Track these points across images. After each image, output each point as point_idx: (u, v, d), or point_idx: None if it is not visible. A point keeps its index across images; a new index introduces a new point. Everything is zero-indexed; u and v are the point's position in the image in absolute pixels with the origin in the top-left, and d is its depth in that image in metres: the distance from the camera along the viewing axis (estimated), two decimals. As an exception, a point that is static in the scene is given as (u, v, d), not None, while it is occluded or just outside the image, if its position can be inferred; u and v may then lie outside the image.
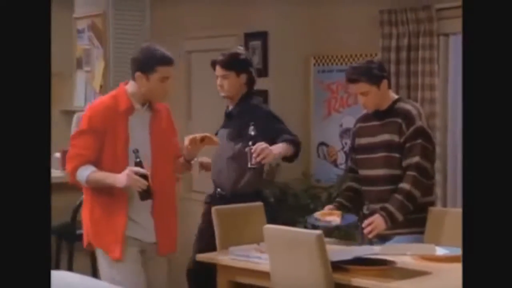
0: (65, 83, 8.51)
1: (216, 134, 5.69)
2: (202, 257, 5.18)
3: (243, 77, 5.68)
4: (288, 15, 7.18)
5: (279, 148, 5.42)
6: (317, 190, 6.81)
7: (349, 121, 6.74)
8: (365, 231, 4.90)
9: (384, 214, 4.85)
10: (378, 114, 5.19)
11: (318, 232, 4.29)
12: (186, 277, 5.92)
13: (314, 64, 7.23)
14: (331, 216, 5.14)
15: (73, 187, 5.85)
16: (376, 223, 4.85)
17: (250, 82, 5.75)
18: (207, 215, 5.64)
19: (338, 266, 4.33)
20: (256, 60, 7.36)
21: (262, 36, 7.34)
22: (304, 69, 7.26)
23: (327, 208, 5.25)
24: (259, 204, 5.55)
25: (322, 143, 7.22)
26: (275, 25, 7.28)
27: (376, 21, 6.43)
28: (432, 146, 5.12)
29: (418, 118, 5.03)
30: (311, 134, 7.28)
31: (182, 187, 8.00)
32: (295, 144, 5.53)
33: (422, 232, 5.00)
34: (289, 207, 6.78)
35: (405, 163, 4.99)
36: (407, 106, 5.15)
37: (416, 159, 4.93)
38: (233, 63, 5.66)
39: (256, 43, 7.38)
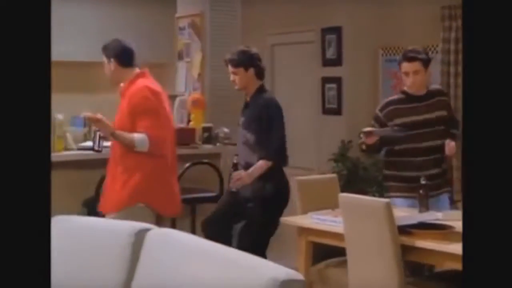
0: (169, 72, 8.59)
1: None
2: (286, 220, 5.20)
3: (251, 71, 5.59)
4: (359, 12, 7.14)
5: (256, 169, 5.41)
6: (382, 163, 6.77)
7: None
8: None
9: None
10: (416, 98, 5.26)
11: (386, 200, 4.27)
12: (201, 227, 5.84)
13: (382, 55, 7.19)
14: None
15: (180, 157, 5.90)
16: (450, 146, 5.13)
17: (260, 74, 5.67)
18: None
19: (404, 229, 4.31)
20: (331, 51, 7.35)
21: (337, 30, 7.31)
22: (373, 59, 7.22)
23: None
24: (333, 175, 5.56)
25: (389, 123, 7.17)
26: (348, 21, 7.25)
27: (438, 16, 6.38)
28: None
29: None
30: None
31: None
32: (272, 157, 5.45)
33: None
34: (360, 178, 6.77)
35: (453, 131, 5.25)
36: (438, 87, 5.55)
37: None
38: (240, 60, 5.58)
39: (332, 37, 7.36)
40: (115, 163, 5.09)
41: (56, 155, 6.07)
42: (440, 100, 5.30)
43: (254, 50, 5.71)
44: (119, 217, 4.86)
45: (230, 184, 5.54)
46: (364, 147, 5.30)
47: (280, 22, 7.85)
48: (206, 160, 6.36)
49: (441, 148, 5.19)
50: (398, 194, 5.24)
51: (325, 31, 7.39)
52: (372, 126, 5.32)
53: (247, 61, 5.58)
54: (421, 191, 4.83)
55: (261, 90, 5.63)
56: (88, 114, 5.10)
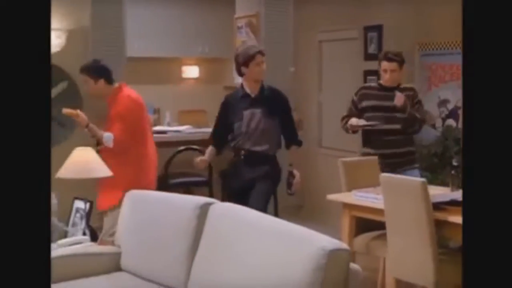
0: (227, 66, 8.61)
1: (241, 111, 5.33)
2: (332, 197, 5.17)
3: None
4: (398, 11, 7.07)
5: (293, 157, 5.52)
6: (420, 148, 6.71)
7: (445, 94, 6.66)
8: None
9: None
10: (387, 89, 5.48)
11: (423, 179, 4.23)
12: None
13: (418, 50, 7.11)
14: None
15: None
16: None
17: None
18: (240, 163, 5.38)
19: (437, 206, 4.27)
20: (372, 47, 7.29)
21: (378, 28, 7.25)
22: (410, 53, 7.12)
23: None
24: (374, 157, 5.51)
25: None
26: (388, 20, 7.17)
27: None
28: None
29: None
30: (416, 104, 7.17)
31: (314, 144, 8.04)
32: (298, 138, 5.55)
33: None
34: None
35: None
36: (408, 85, 5.62)
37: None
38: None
39: (373, 34, 7.29)
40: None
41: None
42: (409, 94, 5.46)
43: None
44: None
45: (291, 190, 5.45)
46: (349, 130, 5.59)
47: (327, 21, 7.81)
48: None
49: (403, 131, 5.43)
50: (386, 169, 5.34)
51: (367, 29, 7.35)
52: (350, 109, 5.65)
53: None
54: (453, 172, 4.80)
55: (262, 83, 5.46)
56: (67, 110, 5.12)
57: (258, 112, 5.30)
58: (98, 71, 5.27)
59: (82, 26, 5.98)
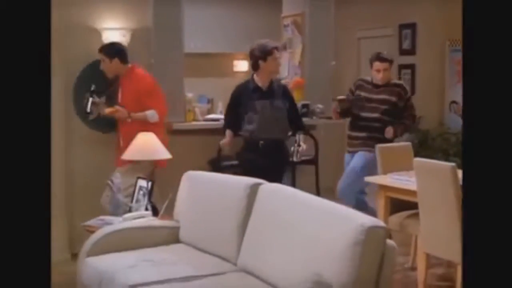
0: (275, 60, 8.58)
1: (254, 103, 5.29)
2: (369, 179, 5.14)
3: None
4: (430, 10, 6.98)
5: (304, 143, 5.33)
6: (449, 135, 6.66)
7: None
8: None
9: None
10: (377, 85, 5.64)
11: (452, 164, 4.17)
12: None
13: (449, 45, 7.02)
14: None
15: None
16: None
17: None
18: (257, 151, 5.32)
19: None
20: (407, 43, 7.23)
21: (412, 26, 7.18)
22: (441, 49, 7.05)
23: None
24: (408, 143, 5.47)
25: (453, 102, 7.04)
26: (421, 18, 7.09)
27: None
28: None
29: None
30: (445, 95, 7.10)
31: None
32: (304, 125, 5.61)
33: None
34: (429, 147, 6.64)
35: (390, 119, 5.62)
36: (399, 82, 5.83)
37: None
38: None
39: (407, 31, 7.23)
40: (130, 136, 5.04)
41: (187, 125, 6.22)
42: (393, 90, 5.61)
43: None
44: (131, 168, 5.04)
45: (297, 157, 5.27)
46: (338, 110, 5.76)
47: (365, 20, 7.74)
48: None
49: (380, 120, 5.57)
50: (349, 149, 5.75)
51: (402, 26, 7.28)
52: (347, 95, 5.81)
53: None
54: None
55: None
56: (109, 110, 5.19)
57: (269, 103, 5.29)
58: (113, 51, 5.29)
59: (144, 26, 6.01)
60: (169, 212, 4.47)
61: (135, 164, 5.02)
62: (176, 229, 4.27)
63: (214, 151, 5.88)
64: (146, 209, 4.62)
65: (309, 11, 6.93)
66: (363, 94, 5.69)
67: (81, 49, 5.70)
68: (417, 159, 4.51)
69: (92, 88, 5.23)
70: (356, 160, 5.63)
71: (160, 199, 4.88)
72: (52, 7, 5.70)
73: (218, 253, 3.86)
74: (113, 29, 5.83)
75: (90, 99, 5.19)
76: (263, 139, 5.27)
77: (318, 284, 3.02)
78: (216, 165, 5.84)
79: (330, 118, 6.79)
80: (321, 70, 6.79)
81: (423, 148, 6.61)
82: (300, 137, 5.26)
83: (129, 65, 5.37)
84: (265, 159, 5.22)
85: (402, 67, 7.30)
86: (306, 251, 3.14)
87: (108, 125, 5.68)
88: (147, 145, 4.65)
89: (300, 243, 3.20)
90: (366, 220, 2.99)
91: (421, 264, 4.54)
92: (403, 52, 7.31)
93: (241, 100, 5.33)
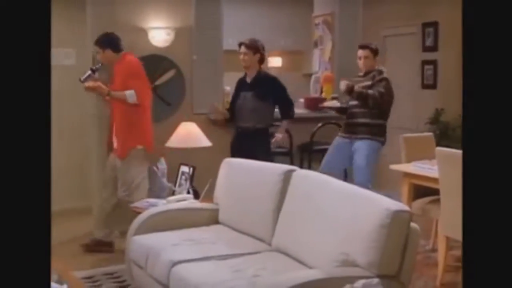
0: (307, 57, 8.54)
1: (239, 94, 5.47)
2: (393, 167, 5.08)
3: (257, 57, 5.38)
4: (452, 10, 6.84)
5: (283, 129, 5.49)
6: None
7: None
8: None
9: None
10: (364, 73, 5.46)
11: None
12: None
13: (468, 43, 6.88)
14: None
15: (313, 119, 5.82)
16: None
17: (261, 61, 5.44)
18: (237, 136, 5.49)
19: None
20: (429, 40, 7.11)
21: (434, 24, 7.05)
22: (459, 46, 6.90)
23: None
24: (430, 134, 5.39)
25: (473, 95, 6.92)
26: (443, 17, 6.96)
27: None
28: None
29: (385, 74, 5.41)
30: (465, 88, 6.98)
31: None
32: (290, 113, 5.48)
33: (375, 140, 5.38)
34: (449, 137, 6.55)
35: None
36: (381, 68, 5.49)
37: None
38: (251, 46, 5.38)
39: (430, 30, 7.10)
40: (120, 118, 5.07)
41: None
42: (370, 75, 5.40)
43: (261, 42, 5.46)
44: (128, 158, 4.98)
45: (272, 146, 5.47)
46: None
47: (390, 19, 7.64)
48: (334, 121, 6.27)
49: (358, 106, 5.37)
50: (341, 134, 5.55)
51: (425, 25, 7.16)
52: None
53: (256, 48, 5.38)
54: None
55: (261, 70, 5.45)
56: (88, 84, 4.94)
57: (250, 95, 5.37)
58: (105, 41, 5.12)
59: (187, 25, 6.02)
60: (209, 196, 4.48)
61: (130, 154, 5.00)
62: (215, 211, 4.28)
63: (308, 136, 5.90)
64: (188, 192, 4.64)
65: (338, 11, 6.87)
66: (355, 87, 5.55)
67: (130, 46, 5.72)
68: (439, 148, 4.44)
69: (96, 66, 5.11)
70: (355, 148, 5.44)
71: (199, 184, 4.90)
72: (103, 8, 5.77)
73: (254, 234, 3.86)
74: (159, 28, 5.85)
75: (89, 72, 5.02)
76: (240, 127, 5.42)
77: (345, 263, 3.00)
78: (307, 149, 5.88)
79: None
80: (350, 66, 6.72)
81: (444, 138, 6.52)
82: (279, 128, 5.43)
83: (122, 53, 5.14)
84: (242, 145, 5.34)
85: (425, 63, 7.20)
86: (335, 232, 3.12)
87: (154, 115, 5.72)
88: (190, 134, 4.66)
89: (329, 225, 3.18)
90: (391, 204, 2.95)
91: (441, 246, 4.48)
92: (426, 49, 7.20)
93: (236, 91, 5.57)
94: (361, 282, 2.66)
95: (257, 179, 3.97)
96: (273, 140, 5.44)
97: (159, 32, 5.85)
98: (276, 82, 5.49)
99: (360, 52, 5.44)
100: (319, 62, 7.46)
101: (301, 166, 6.17)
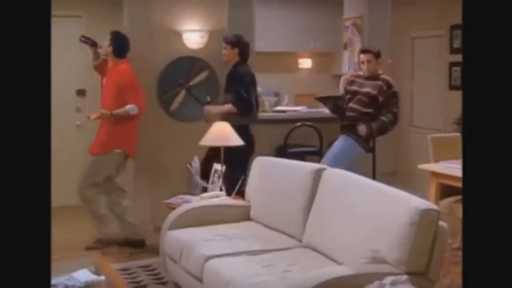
0: (336, 58, 8.49)
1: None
2: (422, 166, 5.03)
3: (236, 50, 5.31)
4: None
5: (222, 108, 5.24)
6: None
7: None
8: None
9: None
10: (364, 77, 5.40)
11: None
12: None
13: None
14: None
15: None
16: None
17: (241, 54, 5.34)
18: None
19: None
20: (457, 42, 7.02)
21: (462, 27, 6.94)
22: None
23: None
24: (457, 134, 5.32)
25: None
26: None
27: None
28: None
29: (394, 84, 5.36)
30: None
31: (406, 123, 7.83)
32: (239, 105, 5.17)
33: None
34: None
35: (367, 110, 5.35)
36: (386, 77, 5.38)
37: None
38: (228, 40, 5.34)
39: (457, 32, 7.01)
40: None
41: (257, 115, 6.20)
42: (376, 83, 5.31)
43: (242, 37, 5.39)
44: (104, 158, 5.01)
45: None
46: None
47: (419, 21, 7.56)
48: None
49: (360, 112, 5.31)
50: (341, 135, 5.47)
51: (453, 27, 7.06)
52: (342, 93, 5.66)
53: (234, 42, 5.33)
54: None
55: (239, 64, 5.34)
56: (92, 116, 4.91)
57: (223, 90, 5.42)
58: (114, 39, 5.11)
59: (220, 27, 6.03)
60: (241, 193, 4.49)
61: (106, 154, 5.02)
62: (247, 208, 4.29)
63: (281, 139, 5.86)
64: (221, 189, 4.65)
65: (367, 14, 6.82)
66: (353, 88, 5.46)
67: (165, 48, 5.79)
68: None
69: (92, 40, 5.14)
70: (335, 144, 5.44)
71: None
72: (140, 11, 5.81)
73: (284, 230, 3.86)
74: (193, 31, 5.88)
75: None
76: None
77: (374, 260, 2.98)
78: (282, 152, 5.83)
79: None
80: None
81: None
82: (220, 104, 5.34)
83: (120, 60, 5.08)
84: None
85: (452, 64, 7.10)
86: (364, 229, 3.10)
87: (188, 114, 5.77)
88: (222, 133, 4.67)
89: (359, 222, 3.16)
90: (420, 203, 2.93)
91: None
92: (453, 51, 7.10)
93: None
94: (390, 278, 2.63)
95: (288, 177, 3.96)
96: (206, 108, 5.35)
97: (193, 35, 5.89)
98: (239, 74, 5.34)
99: (362, 57, 5.39)
100: (348, 64, 7.42)
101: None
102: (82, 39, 5.17)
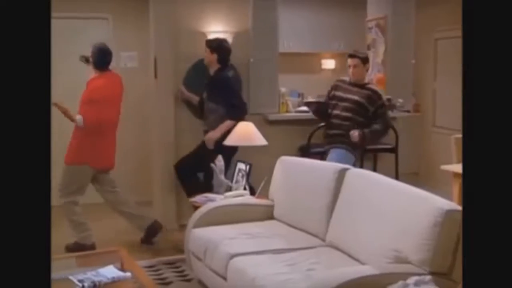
0: (359, 59, 8.44)
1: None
2: (445, 167, 4.97)
3: (215, 56, 5.27)
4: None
5: (220, 129, 5.15)
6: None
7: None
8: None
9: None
10: (352, 84, 5.18)
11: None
12: (174, 171, 5.56)
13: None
14: None
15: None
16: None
17: (221, 60, 5.30)
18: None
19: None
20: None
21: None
22: None
23: None
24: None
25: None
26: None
27: None
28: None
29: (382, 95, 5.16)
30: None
31: (429, 123, 7.77)
32: (235, 117, 5.09)
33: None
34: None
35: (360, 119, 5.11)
36: (373, 87, 5.19)
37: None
38: (210, 45, 5.32)
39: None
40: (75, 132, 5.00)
41: (281, 116, 6.22)
42: (364, 92, 5.10)
43: (222, 42, 5.37)
44: (70, 170, 4.96)
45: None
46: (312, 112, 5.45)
47: (442, 22, 7.49)
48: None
49: (351, 119, 5.07)
50: (327, 146, 5.22)
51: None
52: (326, 96, 5.39)
53: (213, 47, 5.31)
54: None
55: (220, 70, 5.31)
56: (56, 104, 4.76)
57: (205, 96, 5.39)
58: (93, 52, 5.03)
59: (245, 29, 6.05)
60: (265, 192, 4.50)
61: (79, 165, 4.96)
62: (270, 207, 4.29)
63: (304, 139, 5.86)
64: (245, 188, 4.66)
65: (391, 14, 6.77)
66: (338, 93, 5.22)
67: (190, 49, 5.82)
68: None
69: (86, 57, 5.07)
70: (329, 158, 5.10)
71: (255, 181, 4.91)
72: (165, 13, 5.85)
73: (308, 230, 3.85)
74: (217, 32, 5.91)
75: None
76: (204, 129, 5.46)
77: (398, 260, 2.97)
78: (305, 152, 5.82)
79: (408, 111, 6.64)
80: (402, 68, 6.64)
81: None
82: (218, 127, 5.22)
83: (99, 73, 5.01)
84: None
85: (476, 65, 7.04)
86: (388, 229, 3.08)
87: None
88: (247, 133, 4.68)
89: (382, 222, 3.15)
90: (444, 204, 2.90)
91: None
92: (477, 52, 7.04)
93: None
94: (413, 278, 2.62)
95: (312, 177, 3.96)
96: (206, 137, 5.29)
97: (217, 36, 5.91)
98: (224, 83, 5.31)
99: (349, 61, 5.16)
100: (372, 65, 7.38)
101: (353, 165, 6.13)
102: (83, 59, 5.15)
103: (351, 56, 5.18)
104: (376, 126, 5.07)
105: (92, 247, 4.95)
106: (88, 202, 5.47)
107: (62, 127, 5.13)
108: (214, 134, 5.21)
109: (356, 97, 5.14)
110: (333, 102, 5.25)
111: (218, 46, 5.32)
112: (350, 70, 5.17)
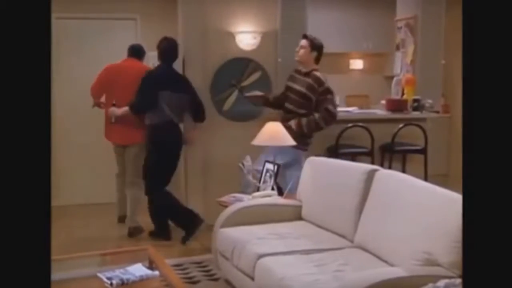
0: (388, 59, 8.41)
1: None
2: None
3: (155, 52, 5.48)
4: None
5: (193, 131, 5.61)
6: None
7: None
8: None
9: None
10: (301, 73, 5.13)
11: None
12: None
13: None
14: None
15: (394, 120, 5.81)
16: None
17: (161, 57, 5.43)
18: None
19: None
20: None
21: None
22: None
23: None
24: None
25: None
26: None
27: None
28: None
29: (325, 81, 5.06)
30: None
31: (458, 124, 7.68)
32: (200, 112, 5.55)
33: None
34: None
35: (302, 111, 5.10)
36: (316, 73, 5.07)
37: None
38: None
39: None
40: None
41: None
42: (306, 80, 5.06)
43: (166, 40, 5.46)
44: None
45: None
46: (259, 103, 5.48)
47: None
48: (415, 123, 6.12)
49: (293, 112, 5.08)
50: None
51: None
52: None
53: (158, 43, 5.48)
54: None
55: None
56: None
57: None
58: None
59: (273, 29, 6.05)
60: (293, 193, 4.49)
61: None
62: (298, 208, 4.28)
63: (332, 139, 5.83)
64: (272, 189, 4.66)
65: (421, 14, 6.71)
66: (289, 84, 5.22)
67: (218, 49, 5.85)
68: None
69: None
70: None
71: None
72: (194, 13, 5.88)
73: (336, 230, 3.84)
74: (246, 32, 5.92)
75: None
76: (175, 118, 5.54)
77: (427, 262, 2.93)
78: (334, 152, 5.79)
79: (438, 112, 6.57)
80: (431, 69, 6.57)
81: None
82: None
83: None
84: None
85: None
86: (417, 231, 3.05)
87: (241, 114, 5.83)
88: (275, 133, 4.67)
89: (411, 224, 3.12)
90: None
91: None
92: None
93: None
94: (443, 281, 2.58)
95: (341, 178, 3.94)
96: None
97: (246, 36, 5.92)
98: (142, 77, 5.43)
99: (300, 42, 5.14)
100: (401, 65, 7.32)
101: (381, 166, 6.08)
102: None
103: (304, 36, 5.21)
104: (314, 115, 5.02)
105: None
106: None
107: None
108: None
109: (299, 87, 5.11)
110: (287, 93, 5.26)
111: (158, 44, 5.47)
112: (298, 51, 5.16)
